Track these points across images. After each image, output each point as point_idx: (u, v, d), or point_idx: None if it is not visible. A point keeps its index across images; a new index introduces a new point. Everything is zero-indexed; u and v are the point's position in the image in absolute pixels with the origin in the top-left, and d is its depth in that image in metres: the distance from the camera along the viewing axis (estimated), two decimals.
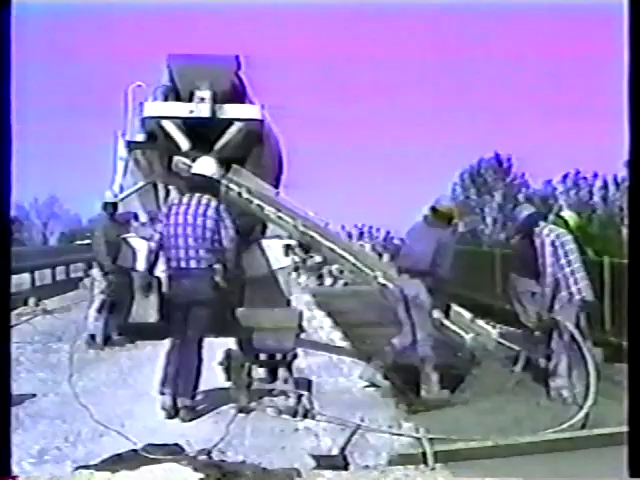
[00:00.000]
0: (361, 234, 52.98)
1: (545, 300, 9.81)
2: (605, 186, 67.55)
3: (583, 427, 8.34)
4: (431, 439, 7.69)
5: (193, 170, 9.27)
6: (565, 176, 67.43)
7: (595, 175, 67.16)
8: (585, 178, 67.55)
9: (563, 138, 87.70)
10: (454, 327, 10.92)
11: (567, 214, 11.26)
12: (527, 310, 10.43)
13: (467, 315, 11.20)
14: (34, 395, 10.03)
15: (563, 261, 9.74)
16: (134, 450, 7.33)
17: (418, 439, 7.77)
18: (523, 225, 10.53)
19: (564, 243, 9.80)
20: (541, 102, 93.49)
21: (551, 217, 12.17)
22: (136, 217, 16.63)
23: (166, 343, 11.33)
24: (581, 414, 8.53)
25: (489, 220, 69.06)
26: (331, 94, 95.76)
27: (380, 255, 36.33)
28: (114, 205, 14.77)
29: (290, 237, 13.67)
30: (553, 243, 9.77)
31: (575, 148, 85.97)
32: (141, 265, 14.07)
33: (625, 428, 5.04)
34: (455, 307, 11.36)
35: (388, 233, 55.29)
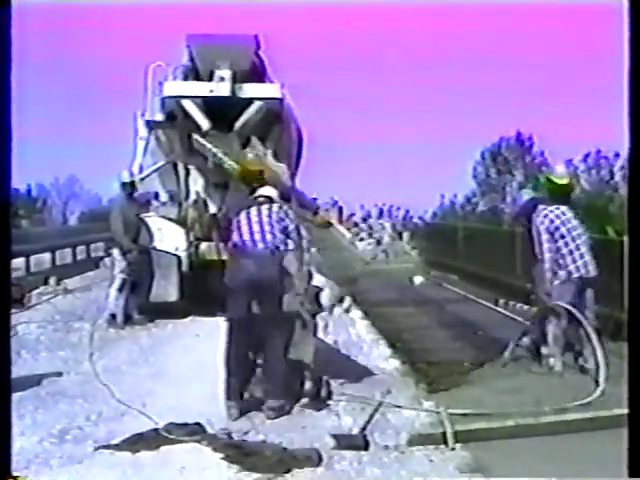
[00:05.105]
0: (381, 213, 52.91)
1: (546, 285, 9.82)
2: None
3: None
4: (452, 416, 7.71)
5: (259, 192, 9.20)
6: (586, 155, 66.94)
7: (617, 155, 66.64)
8: (606, 157, 67.00)
9: (584, 117, 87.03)
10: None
11: (554, 175, 10.90)
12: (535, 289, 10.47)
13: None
14: (60, 374, 10.08)
15: (560, 243, 9.82)
16: (155, 429, 7.35)
17: (439, 418, 7.77)
18: (523, 209, 10.49)
19: (558, 226, 9.85)
20: (562, 81, 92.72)
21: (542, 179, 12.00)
22: (157, 196, 16.67)
23: (187, 322, 11.32)
24: (598, 391, 8.55)
25: (509, 199, 68.65)
26: (352, 73, 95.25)
27: (400, 234, 36.63)
28: (132, 184, 14.73)
29: None
30: (548, 229, 9.81)
31: (596, 128, 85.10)
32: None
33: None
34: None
35: (407, 212, 55.07)
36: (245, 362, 8.52)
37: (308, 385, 8.56)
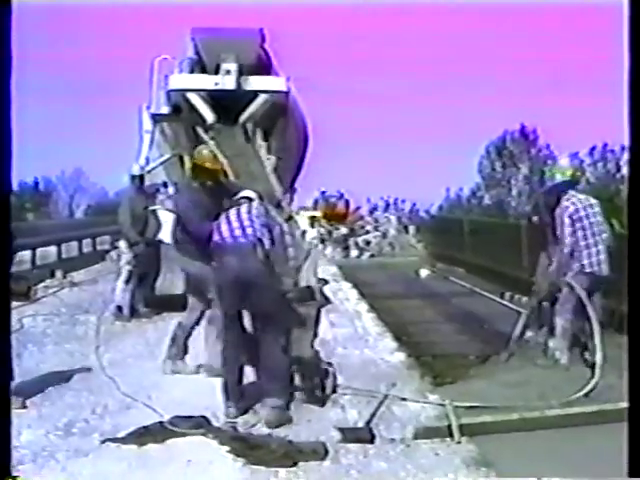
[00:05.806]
0: (387, 206, 52.73)
1: (560, 269, 9.80)
2: None
3: (586, 396, 8.40)
4: (457, 408, 7.72)
5: (241, 194, 9.05)
6: (593, 148, 66.80)
7: (623, 148, 66.48)
8: (613, 151, 66.84)
9: (590, 111, 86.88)
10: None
11: (557, 167, 10.93)
12: (537, 281, 10.43)
13: None
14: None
15: (579, 234, 9.75)
16: (161, 422, 7.36)
17: (445, 412, 7.77)
18: (554, 188, 10.41)
19: (582, 217, 9.77)
20: (566, 75, 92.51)
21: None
22: (165, 185, 16.66)
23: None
24: (591, 384, 8.57)
25: (515, 192, 68.62)
26: (358, 66, 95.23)
27: (406, 227, 36.58)
28: (141, 177, 14.78)
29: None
30: (571, 216, 9.73)
31: (602, 121, 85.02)
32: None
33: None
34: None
35: (414, 205, 54.89)
36: (240, 360, 8.29)
37: (299, 379, 8.48)
